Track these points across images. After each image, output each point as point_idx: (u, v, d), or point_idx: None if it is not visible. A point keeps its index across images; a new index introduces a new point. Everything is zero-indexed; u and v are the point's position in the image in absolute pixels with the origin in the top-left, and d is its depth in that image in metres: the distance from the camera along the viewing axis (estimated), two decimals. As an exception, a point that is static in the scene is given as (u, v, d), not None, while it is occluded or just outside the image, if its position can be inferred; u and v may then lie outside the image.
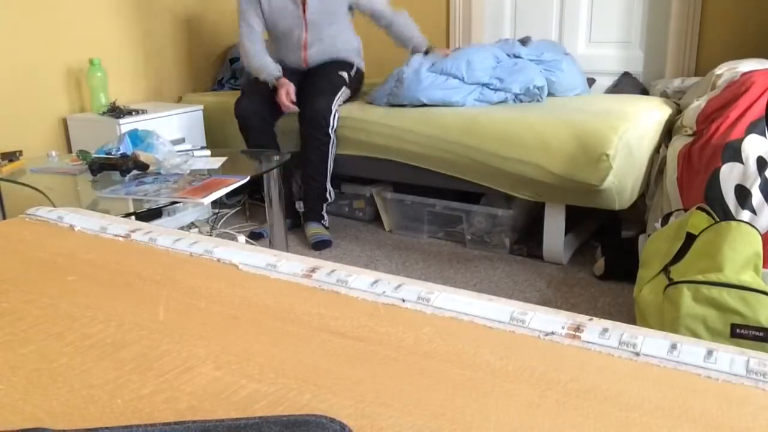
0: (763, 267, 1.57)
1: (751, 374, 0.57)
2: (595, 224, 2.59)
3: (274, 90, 2.60)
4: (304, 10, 2.61)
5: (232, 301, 0.75)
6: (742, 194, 1.77)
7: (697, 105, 2.10)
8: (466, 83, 2.46)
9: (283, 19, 2.63)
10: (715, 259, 1.54)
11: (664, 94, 2.61)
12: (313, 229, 2.56)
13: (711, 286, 1.46)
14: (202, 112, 2.89)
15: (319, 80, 2.63)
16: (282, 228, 2.36)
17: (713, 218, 1.69)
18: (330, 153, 2.53)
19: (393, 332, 0.67)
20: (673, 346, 0.61)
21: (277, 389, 0.57)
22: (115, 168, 1.94)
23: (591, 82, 2.99)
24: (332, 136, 2.51)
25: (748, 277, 1.49)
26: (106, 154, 2.03)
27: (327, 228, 2.60)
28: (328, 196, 2.59)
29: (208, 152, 2.30)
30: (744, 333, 1.42)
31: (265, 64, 2.62)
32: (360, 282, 0.78)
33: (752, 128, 1.87)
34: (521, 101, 2.50)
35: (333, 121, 2.50)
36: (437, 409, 0.54)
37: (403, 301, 0.74)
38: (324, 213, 2.61)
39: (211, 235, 1.44)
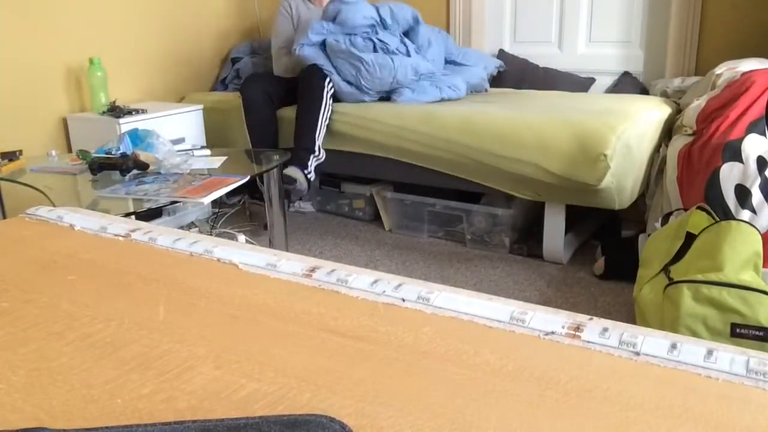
0: (763, 266, 1.57)
1: (751, 374, 0.57)
2: (595, 224, 2.59)
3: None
4: None
5: (232, 300, 0.75)
6: (742, 194, 1.77)
7: (697, 104, 2.10)
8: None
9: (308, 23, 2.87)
10: (715, 258, 1.54)
11: (664, 94, 2.61)
12: (291, 171, 2.53)
13: (711, 286, 1.46)
14: (202, 111, 2.90)
15: None
16: (282, 228, 2.36)
17: (713, 218, 1.69)
18: (322, 110, 2.58)
19: (393, 332, 0.67)
20: (673, 346, 0.61)
21: (276, 389, 0.57)
22: (115, 167, 1.94)
23: (591, 81, 2.99)
24: (325, 98, 2.58)
25: (748, 277, 1.49)
26: (106, 153, 2.03)
27: (308, 180, 2.58)
28: (316, 149, 2.59)
29: (208, 152, 2.30)
30: (744, 332, 1.42)
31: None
32: (360, 281, 0.78)
33: (752, 128, 1.88)
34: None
35: (327, 83, 2.59)
36: (437, 409, 0.54)
37: (403, 300, 0.74)
38: (309, 165, 2.59)
39: (211, 235, 1.44)
